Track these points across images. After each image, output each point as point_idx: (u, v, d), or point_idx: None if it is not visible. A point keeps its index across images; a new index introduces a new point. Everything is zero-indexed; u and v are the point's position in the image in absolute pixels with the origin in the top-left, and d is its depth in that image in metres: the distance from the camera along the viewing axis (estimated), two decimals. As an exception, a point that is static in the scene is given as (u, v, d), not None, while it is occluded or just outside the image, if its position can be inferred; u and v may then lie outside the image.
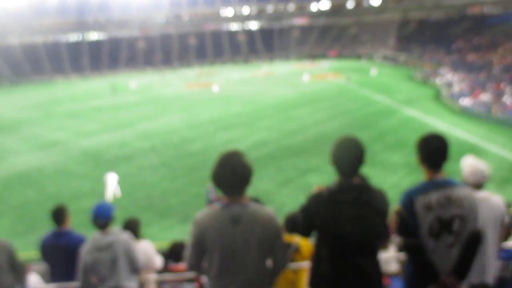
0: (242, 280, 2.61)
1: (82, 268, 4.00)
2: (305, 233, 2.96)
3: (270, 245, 2.66)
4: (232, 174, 2.56)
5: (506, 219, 3.43)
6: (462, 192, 2.86)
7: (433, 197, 2.82)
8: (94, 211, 4.03)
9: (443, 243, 2.84)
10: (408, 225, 2.87)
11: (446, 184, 2.88)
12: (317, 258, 2.83)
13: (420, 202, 2.83)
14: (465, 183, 3.44)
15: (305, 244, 4.12)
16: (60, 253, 4.96)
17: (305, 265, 4.04)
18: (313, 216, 2.75)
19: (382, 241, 2.80)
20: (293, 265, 3.94)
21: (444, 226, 2.82)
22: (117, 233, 4.07)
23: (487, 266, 3.30)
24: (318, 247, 2.82)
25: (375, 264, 2.78)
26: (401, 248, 2.98)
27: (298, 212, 2.89)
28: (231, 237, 2.56)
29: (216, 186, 2.62)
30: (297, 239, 4.12)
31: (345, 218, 2.62)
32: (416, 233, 2.85)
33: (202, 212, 2.69)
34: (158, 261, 5.38)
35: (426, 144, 2.95)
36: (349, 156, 2.73)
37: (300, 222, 2.90)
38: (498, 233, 3.43)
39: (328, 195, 2.71)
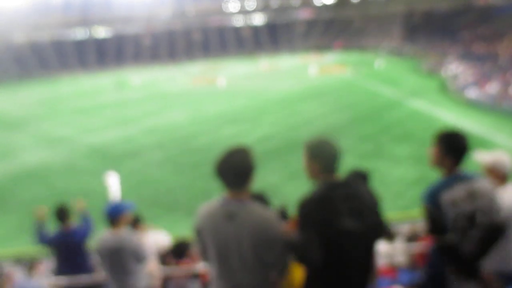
0: (238, 280, 2.54)
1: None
2: (308, 250, 2.53)
3: (267, 247, 2.51)
4: (230, 167, 2.57)
5: None
6: (482, 184, 2.88)
7: (457, 191, 2.83)
8: (104, 208, 4.11)
9: (469, 237, 2.84)
10: (439, 223, 2.85)
11: (468, 178, 2.89)
12: (311, 269, 2.66)
13: (445, 198, 2.82)
14: (488, 177, 3.43)
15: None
16: (66, 249, 5.05)
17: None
18: (308, 221, 2.53)
19: (381, 236, 2.73)
20: None
21: (468, 220, 2.82)
22: (125, 237, 4.11)
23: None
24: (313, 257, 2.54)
25: (372, 261, 2.71)
26: (439, 248, 2.96)
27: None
28: (224, 233, 2.53)
29: (217, 177, 2.61)
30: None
31: (340, 213, 2.48)
32: (446, 230, 2.84)
33: (203, 207, 2.69)
34: (163, 239, 5.43)
35: (453, 138, 2.95)
36: (329, 154, 2.71)
37: (299, 241, 2.57)
38: None
39: (318, 195, 2.57)
